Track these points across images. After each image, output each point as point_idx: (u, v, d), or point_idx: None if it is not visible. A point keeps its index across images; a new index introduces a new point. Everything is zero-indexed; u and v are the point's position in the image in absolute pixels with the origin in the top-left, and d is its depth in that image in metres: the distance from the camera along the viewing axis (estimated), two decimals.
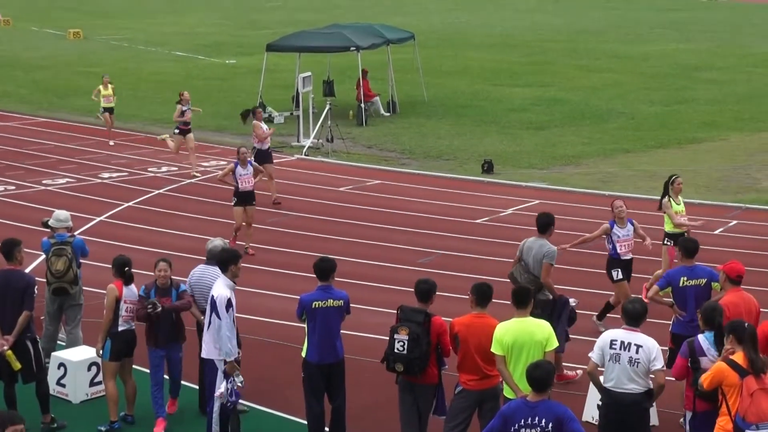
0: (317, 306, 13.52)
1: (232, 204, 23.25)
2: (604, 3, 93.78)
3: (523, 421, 10.32)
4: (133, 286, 14.61)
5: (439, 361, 13.06)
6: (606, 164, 32.52)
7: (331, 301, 13.62)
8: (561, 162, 33.09)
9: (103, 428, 14.59)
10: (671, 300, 14.69)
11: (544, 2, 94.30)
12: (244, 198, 23.03)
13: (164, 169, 31.65)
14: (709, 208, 27.22)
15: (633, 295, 13.32)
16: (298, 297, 13.84)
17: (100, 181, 30.02)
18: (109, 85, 35.89)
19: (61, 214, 16.62)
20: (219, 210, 26.71)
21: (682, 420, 14.58)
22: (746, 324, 11.74)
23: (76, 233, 17.47)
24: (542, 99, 44.10)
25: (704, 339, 12.26)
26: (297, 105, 37.10)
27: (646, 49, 60.83)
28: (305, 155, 33.82)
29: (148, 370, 14.80)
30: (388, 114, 40.77)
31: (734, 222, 25.99)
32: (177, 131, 30.57)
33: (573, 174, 31.36)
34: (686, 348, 12.29)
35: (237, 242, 22.61)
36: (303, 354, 13.66)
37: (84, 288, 16.81)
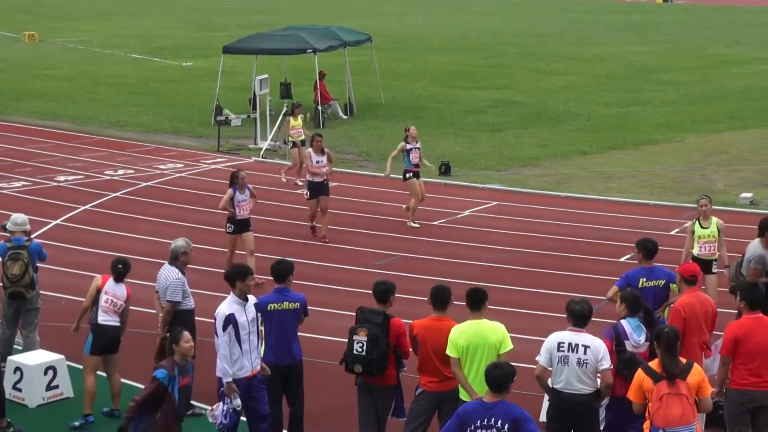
0: (273, 308, 13.55)
1: (227, 231, 21.07)
2: (560, 6, 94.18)
3: (479, 422, 10.33)
4: (122, 285, 14.85)
5: (398, 362, 13.09)
6: (562, 166, 32.66)
7: (287, 303, 13.64)
8: (518, 164, 33.20)
9: (76, 423, 14.57)
10: None
11: (502, 5, 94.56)
12: (241, 226, 20.89)
13: (121, 172, 31.49)
14: (664, 208, 27.42)
15: (578, 296, 13.34)
16: (258, 301, 13.78)
17: (56, 184, 29.85)
18: (300, 116, 30.64)
19: (19, 217, 16.53)
20: (177, 213, 26.64)
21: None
22: (666, 329, 11.81)
23: (32, 236, 17.36)
24: (499, 101, 44.23)
25: (627, 323, 12.84)
26: (254, 107, 37.05)
27: (601, 51, 61.15)
28: (262, 158, 33.76)
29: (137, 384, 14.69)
30: (345, 116, 40.77)
31: (689, 222, 26.07)
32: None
33: (530, 175, 31.48)
34: (611, 331, 12.77)
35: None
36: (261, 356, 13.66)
37: (41, 292, 16.72)
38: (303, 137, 29.59)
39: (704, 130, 38.75)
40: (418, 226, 25.38)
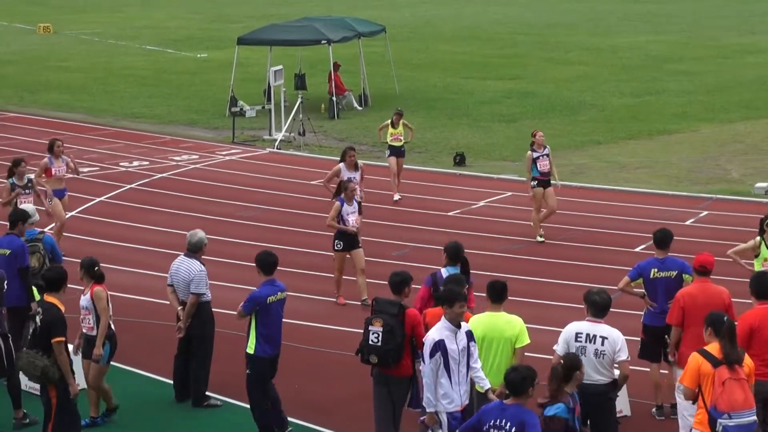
0: (272, 300, 13.67)
1: (335, 249, 19.33)
2: None
3: (493, 421, 10.44)
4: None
5: (414, 353, 13.10)
6: (577, 156, 32.62)
7: (280, 294, 13.86)
8: None
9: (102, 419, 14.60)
10: (642, 291, 14.76)
11: None
12: (350, 242, 19.22)
13: (136, 163, 31.56)
14: (680, 198, 27.39)
15: (598, 286, 13.33)
16: (257, 294, 13.75)
17: (71, 176, 29.85)
18: (401, 121, 28.15)
19: (28, 208, 16.57)
20: (192, 204, 26.69)
21: (653, 410, 14.74)
22: (725, 317, 11.79)
23: (46, 229, 17.41)
24: (513, 92, 44.16)
25: (446, 271, 13.93)
26: (269, 99, 37.06)
27: (616, 41, 60.98)
28: (277, 149, 33.79)
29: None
30: (360, 107, 40.77)
31: (705, 213, 26.12)
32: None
33: None
34: (430, 278, 13.99)
35: (344, 300, 19.59)
36: (251, 350, 13.65)
37: None
38: (401, 143, 27.58)
39: (719, 119, 38.65)
40: (542, 240, 23.34)
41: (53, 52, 57.37)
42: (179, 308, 14.92)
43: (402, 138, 27.60)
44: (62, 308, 12.96)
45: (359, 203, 19.43)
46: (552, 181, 23.33)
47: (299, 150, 33.40)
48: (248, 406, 14.20)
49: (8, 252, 15.54)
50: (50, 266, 13.58)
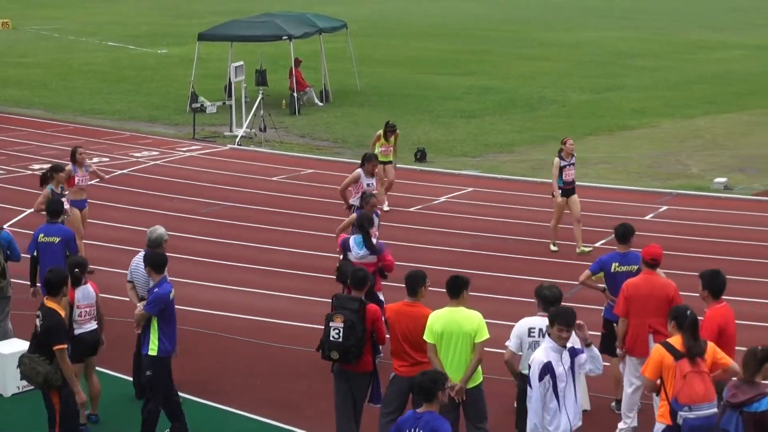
0: (172, 297, 13.50)
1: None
2: None
3: (407, 431, 10.24)
4: (88, 287, 14.16)
5: (375, 349, 13.12)
6: (537, 152, 32.71)
7: (173, 292, 13.65)
8: (493, 150, 33.27)
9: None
10: (604, 285, 14.84)
11: None
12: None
13: (96, 160, 31.36)
14: (639, 194, 27.53)
15: (548, 281, 13.36)
16: (162, 292, 13.46)
17: (30, 172, 29.72)
18: (392, 138, 26.41)
19: None
20: (152, 201, 26.58)
21: (613, 404, 14.80)
22: (689, 311, 11.84)
23: (5, 226, 17.29)
24: (475, 87, 44.26)
25: (353, 239, 15.82)
26: (229, 95, 36.97)
27: (578, 37, 61.25)
28: (238, 145, 33.70)
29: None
30: (321, 104, 40.73)
31: (664, 208, 26.27)
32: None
33: (505, 161, 31.55)
34: (342, 243, 15.86)
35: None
36: (153, 352, 13.36)
37: (12, 280, 16.61)
38: (390, 158, 26.07)
39: (679, 115, 38.90)
40: (556, 249, 22.39)
41: (12, 48, 56.99)
42: (139, 305, 14.82)
43: (391, 151, 26.20)
44: (63, 313, 12.65)
45: (378, 216, 17.83)
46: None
47: (260, 146, 33.33)
48: (210, 403, 14.14)
49: None
50: (50, 269, 13.26)
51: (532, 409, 11.26)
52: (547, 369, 11.19)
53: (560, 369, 11.25)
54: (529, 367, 11.47)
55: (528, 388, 11.34)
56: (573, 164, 22.19)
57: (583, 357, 11.38)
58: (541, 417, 11.23)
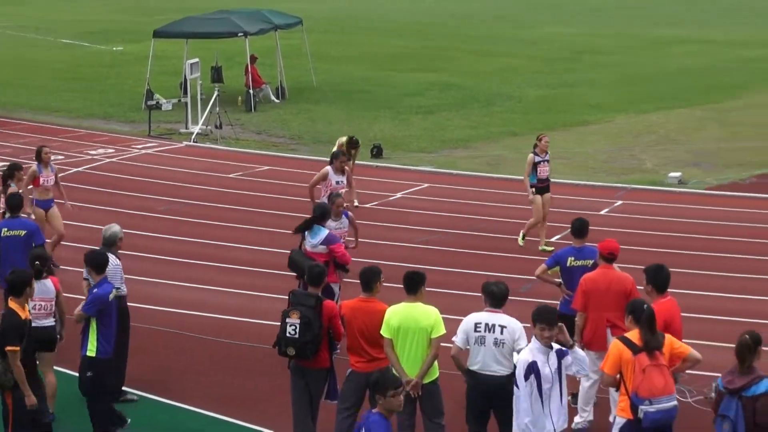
0: (112, 298, 13.38)
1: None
2: None
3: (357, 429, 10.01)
4: (47, 281, 13.88)
5: (331, 345, 13.13)
6: (493, 147, 32.83)
7: (115, 291, 13.63)
8: (449, 146, 33.35)
9: None
10: (559, 280, 14.94)
11: None
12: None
13: (51, 158, 31.13)
14: (595, 189, 27.70)
15: (496, 275, 13.46)
16: (101, 293, 13.30)
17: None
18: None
19: None
20: (107, 198, 26.47)
21: (569, 398, 14.87)
22: (645, 305, 11.93)
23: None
24: (434, 84, 44.29)
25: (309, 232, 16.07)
26: (185, 92, 36.87)
27: (536, 33, 61.41)
28: (194, 142, 33.61)
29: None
30: (277, 100, 40.68)
31: (620, 202, 26.44)
32: None
33: (461, 157, 31.64)
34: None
35: None
36: (92, 353, 13.22)
37: None
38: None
39: (634, 110, 39.15)
40: (522, 244, 22.35)
41: None
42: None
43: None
44: (22, 315, 12.46)
45: (349, 217, 17.79)
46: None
47: (216, 143, 33.27)
48: (166, 401, 14.11)
49: None
50: (13, 269, 13.13)
51: (521, 409, 11.20)
52: (532, 369, 11.14)
53: (546, 370, 11.18)
54: (515, 367, 11.54)
55: (515, 388, 11.28)
56: (548, 161, 22.04)
57: (569, 359, 11.41)
58: (531, 416, 11.16)
